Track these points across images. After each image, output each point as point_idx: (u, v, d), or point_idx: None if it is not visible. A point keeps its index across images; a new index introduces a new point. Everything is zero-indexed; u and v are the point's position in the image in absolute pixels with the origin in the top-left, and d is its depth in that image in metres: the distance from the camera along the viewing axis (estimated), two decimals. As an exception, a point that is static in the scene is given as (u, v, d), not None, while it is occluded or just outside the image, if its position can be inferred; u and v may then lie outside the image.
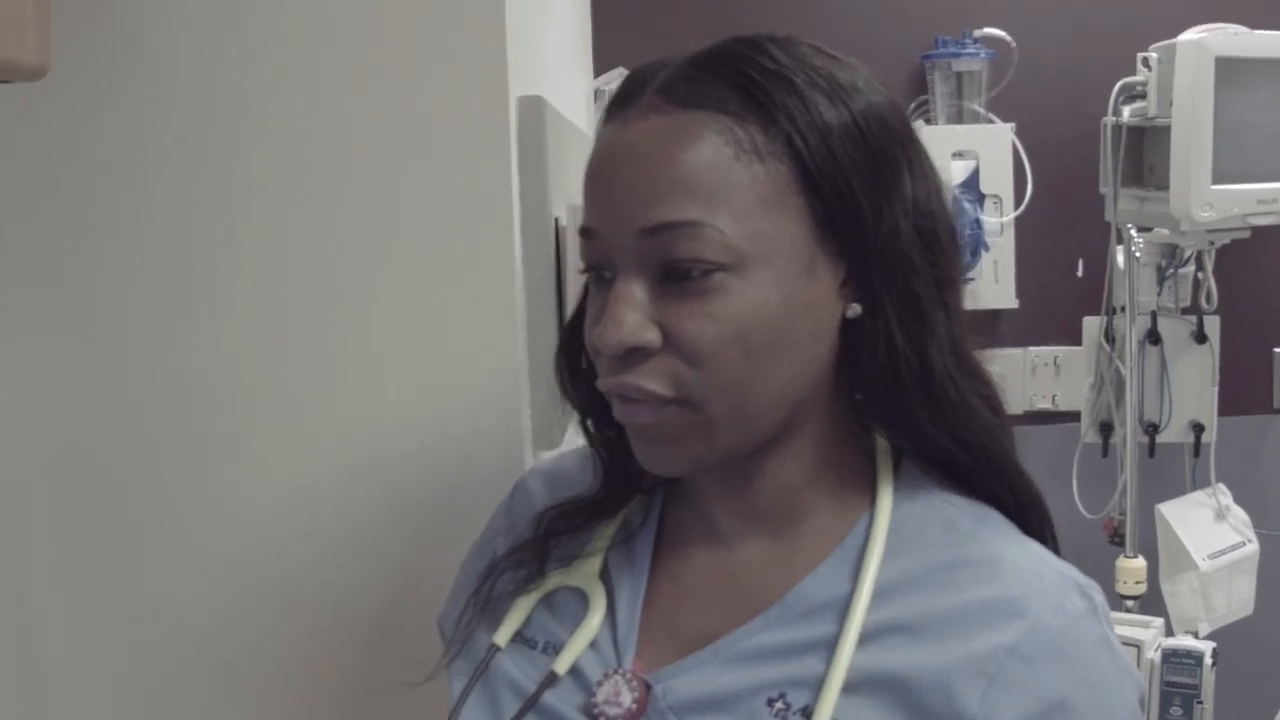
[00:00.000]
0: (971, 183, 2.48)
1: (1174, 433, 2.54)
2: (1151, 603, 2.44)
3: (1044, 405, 2.59)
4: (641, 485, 0.89)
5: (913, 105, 2.53)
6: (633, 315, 0.75)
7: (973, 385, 0.80)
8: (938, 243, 0.78)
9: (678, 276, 0.75)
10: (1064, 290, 2.59)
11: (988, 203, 2.51)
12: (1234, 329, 2.56)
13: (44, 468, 1.09)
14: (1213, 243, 2.41)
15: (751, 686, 0.77)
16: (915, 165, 0.78)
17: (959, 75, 2.51)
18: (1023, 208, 2.51)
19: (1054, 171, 2.52)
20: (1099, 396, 2.53)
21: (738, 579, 0.82)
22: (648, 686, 0.79)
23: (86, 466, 1.10)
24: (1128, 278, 2.37)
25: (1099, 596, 0.78)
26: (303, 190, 1.08)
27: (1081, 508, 2.50)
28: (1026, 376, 2.59)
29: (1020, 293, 2.56)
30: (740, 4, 2.28)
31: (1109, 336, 2.49)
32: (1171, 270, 2.51)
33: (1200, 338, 2.52)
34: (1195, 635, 2.38)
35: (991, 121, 2.52)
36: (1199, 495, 2.53)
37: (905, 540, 0.79)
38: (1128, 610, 2.36)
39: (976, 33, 2.50)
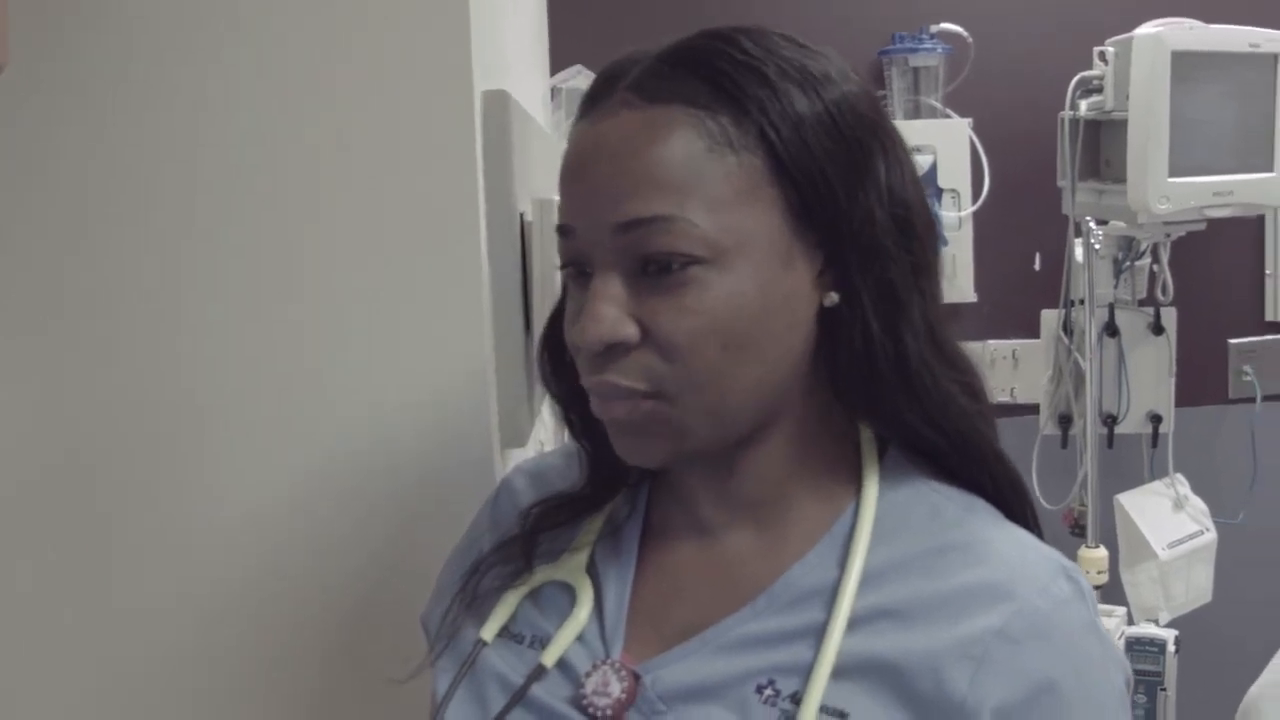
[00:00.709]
0: (929, 178, 2.49)
1: (1132, 424, 2.56)
2: (1112, 592, 2.47)
3: (1003, 398, 2.61)
4: (627, 479, 0.89)
5: (870, 101, 2.53)
6: (611, 311, 0.75)
7: (950, 372, 0.80)
8: (913, 230, 0.78)
9: (654, 271, 0.74)
10: (1022, 284, 2.61)
11: (945, 197, 2.53)
12: (1190, 321, 2.58)
13: (27, 471, 1.08)
14: (1169, 235, 2.44)
15: (740, 674, 0.76)
16: (889, 153, 0.78)
17: (916, 70, 2.52)
18: (980, 202, 2.53)
19: (1011, 166, 2.54)
20: (1058, 389, 2.55)
21: (725, 570, 0.82)
22: (636, 676, 0.79)
23: (59, 467, 1.08)
24: (1086, 270, 2.39)
25: (1084, 581, 0.78)
26: (266, 187, 1.06)
27: (1041, 499, 2.51)
28: (985, 370, 2.59)
29: (979, 286, 2.58)
30: (698, 1, 2.27)
31: (1067, 329, 2.51)
32: (1128, 263, 2.53)
33: (1157, 329, 2.54)
34: (1156, 623, 2.40)
35: (949, 116, 2.53)
36: (1157, 485, 2.56)
37: (892, 527, 0.79)
38: (1090, 600, 2.38)
39: (933, 28, 2.51)
